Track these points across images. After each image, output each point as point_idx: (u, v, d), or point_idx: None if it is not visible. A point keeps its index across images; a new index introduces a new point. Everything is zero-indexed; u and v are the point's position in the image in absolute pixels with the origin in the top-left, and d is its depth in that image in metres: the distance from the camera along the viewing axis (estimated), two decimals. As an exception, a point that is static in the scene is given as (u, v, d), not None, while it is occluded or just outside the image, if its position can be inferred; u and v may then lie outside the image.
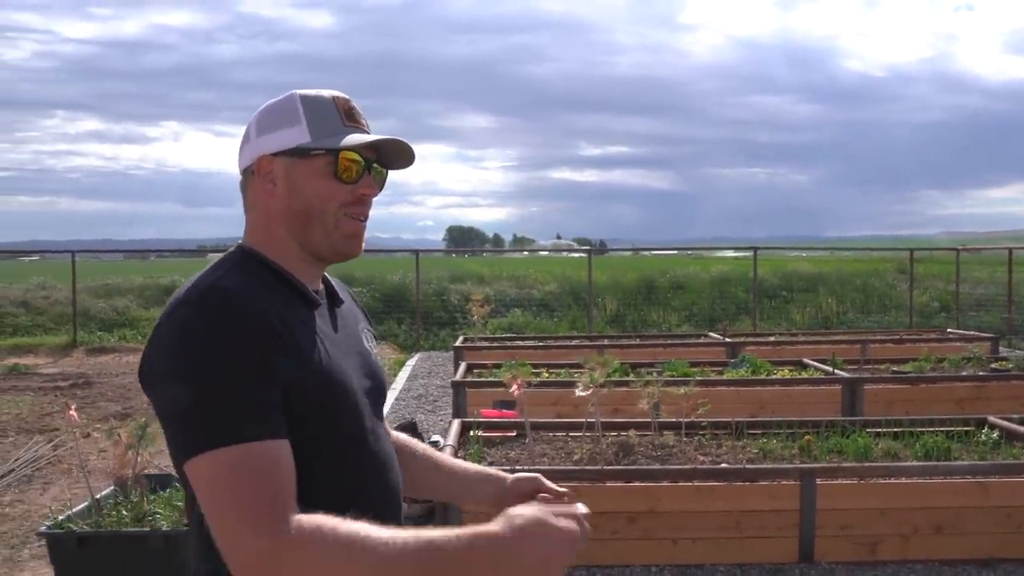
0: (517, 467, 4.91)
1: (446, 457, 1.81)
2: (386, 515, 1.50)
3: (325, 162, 1.46)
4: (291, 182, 1.47)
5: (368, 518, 1.41)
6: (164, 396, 1.33)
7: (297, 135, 1.46)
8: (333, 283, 1.62)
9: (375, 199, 1.56)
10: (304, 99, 1.50)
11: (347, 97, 1.53)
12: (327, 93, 1.52)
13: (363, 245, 1.54)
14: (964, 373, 8.25)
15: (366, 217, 1.53)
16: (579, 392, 5.01)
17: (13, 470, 6.92)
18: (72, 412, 4.02)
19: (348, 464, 1.45)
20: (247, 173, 1.52)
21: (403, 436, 1.81)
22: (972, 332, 12.81)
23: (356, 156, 1.48)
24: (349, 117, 1.50)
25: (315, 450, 1.39)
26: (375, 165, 1.52)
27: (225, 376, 1.28)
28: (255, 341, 1.31)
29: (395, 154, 1.56)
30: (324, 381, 1.40)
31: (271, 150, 1.47)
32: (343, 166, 1.47)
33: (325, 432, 1.41)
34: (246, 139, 1.52)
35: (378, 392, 1.59)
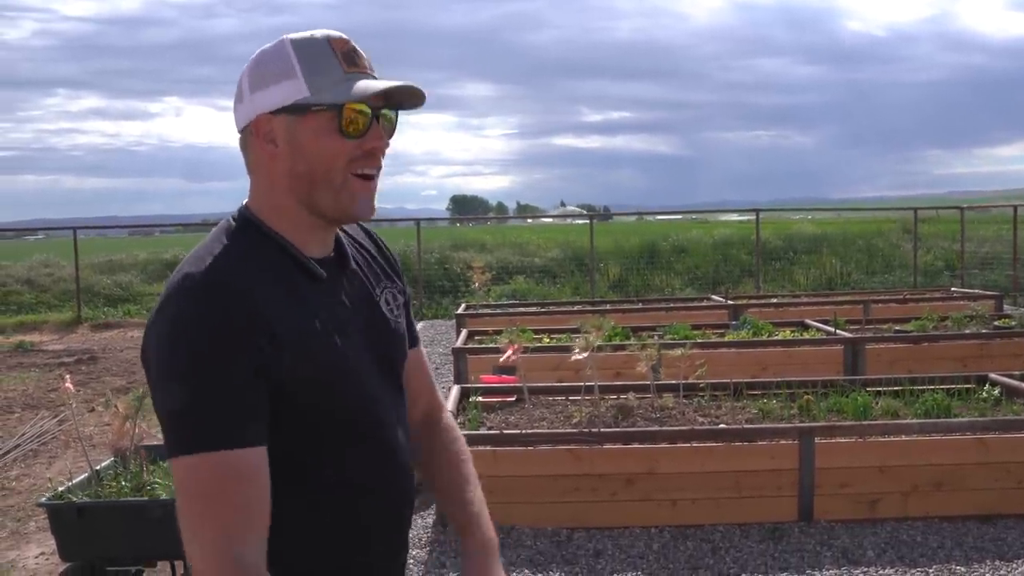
0: (512, 430, 4.93)
1: (468, 480, 1.71)
2: (392, 498, 1.50)
3: (328, 117, 1.34)
4: (293, 142, 1.36)
5: (374, 501, 1.46)
6: (153, 392, 1.32)
7: (293, 89, 1.34)
8: (347, 240, 1.52)
9: (387, 151, 1.44)
10: (296, 45, 1.36)
11: (344, 37, 1.38)
12: (320, 34, 1.38)
13: (375, 205, 1.43)
14: (967, 331, 8.23)
15: (378, 170, 1.42)
16: (575, 356, 5.01)
17: (19, 445, 6.98)
18: (68, 384, 4.03)
19: (354, 449, 1.42)
20: (245, 133, 1.41)
21: (449, 436, 1.74)
22: (976, 290, 12.78)
23: (362, 106, 1.35)
24: (349, 61, 1.36)
25: (316, 437, 1.38)
26: (383, 111, 1.40)
27: (205, 382, 1.26)
28: (240, 342, 1.27)
29: (404, 95, 1.41)
30: (321, 366, 1.36)
31: (268, 108, 1.36)
32: (348, 120, 1.34)
33: (325, 419, 1.38)
34: (239, 97, 1.40)
35: (391, 360, 1.52)
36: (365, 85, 1.36)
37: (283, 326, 1.31)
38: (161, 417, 1.30)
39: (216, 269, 1.32)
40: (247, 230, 1.40)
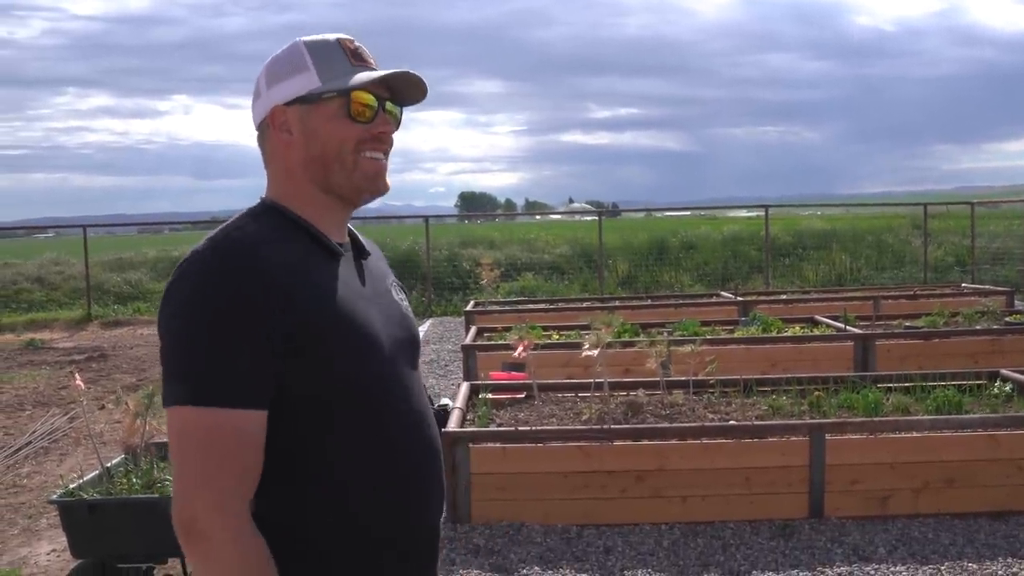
0: (524, 427, 4.93)
1: None
2: (426, 467, 1.53)
3: (338, 104, 1.46)
4: (306, 129, 1.47)
5: (407, 463, 1.49)
6: (162, 343, 1.37)
7: (306, 81, 1.46)
8: (360, 238, 1.61)
9: (392, 147, 1.55)
10: (309, 45, 1.49)
11: (351, 38, 1.51)
12: (331, 36, 1.51)
13: (388, 182, 1.53)
14: (978, 327, 8.19)
15: (386, 153, 1.52)
16: (586, 352, 5.00)
17: (30, 442, 7.00)
18: (78, 381, 4.04)
19: (379, 411, 1.45)
20: (262, 127, 1.52)
21: None
22: (987, 286, 12.72)
23: (369, 98, 1.47)
24: (356, 57, 1.50)
25: (342, 402, 1.41)
26: (388, 103, 1.51)
27: (216, 336, 1.31)
28: (256, 300, 1.32)
29: (407, 90, 1.54)
30: (343, 327, 1.40)
31: (283, 100, 1.48)
32: (356, 108, 1.46)
33: (350, 383, 1.41)
34: (257, 94, 1.52)
35: (411, 343, 1.58)
36: (368, 73, 1.49)
37: (302, 296, 1.37)
38: (174, 370, 1.34)
39: (239, 238, 1.40)
40: (268, 213, 1.49)
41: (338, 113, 1.46)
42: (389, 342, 1.49)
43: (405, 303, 1.64)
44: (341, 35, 1.51)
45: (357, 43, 1.51)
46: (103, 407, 8.00)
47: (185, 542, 1.32)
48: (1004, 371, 5.83)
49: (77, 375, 4.29)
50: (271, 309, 1.33)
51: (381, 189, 1.52)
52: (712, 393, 5.62)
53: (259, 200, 1.53)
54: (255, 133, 1.55)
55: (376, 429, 1.44)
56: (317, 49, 1.48)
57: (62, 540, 4.36)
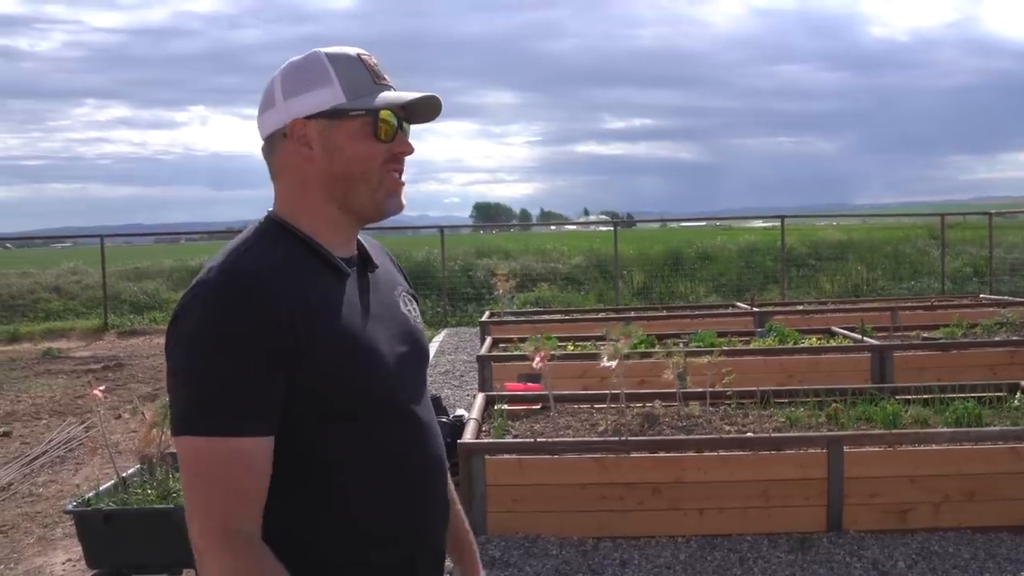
0: (540, 439, 4.91)
1: (457, 511, 1.75)
2: (429, 482, 1.53)
3: (363, 123, 1.44)
4: (328, 145, 1.44)
5: (411, 485, 1.49)
6: (168, 373, 1.38)
7: (331, 96, 1.44)
8: (367, 246, 1.59)
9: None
10: (332, 58, 1.46)
11: (370, 54, 1.51)
12: (351, 51, 1.49)
13: (404, 202, 1.53)
14: (997, 338, 8.12)
15: (402, 172, 1.53)
16: (603, 363, 4.98)
17: (47, 451, 7.03)
18: (96, 391, 4.06)
19: (383, 432, 1.45)
20: (275, 138, 1.48)
21: None
22: (1006, 297, 12.61)
23: (392, 117, 1.46)
24: (376, 75, 1.49)
25: (346, 420, 1.41)
26: (404, 122, 1.51)
27: (219, 366, 1.32)
28: (261, 327, 1.33)
29: (422, 109, 1.53)
30: (346, 353, 1.40)
31: (304, 113, 1.44)
32: (381, 126, 1.45)
33: (353, 402, 1.41)
34: (270, 103, 1.48)
35: (417, 357, 1.58)
36: (397, 94, 1.49)
37: (306, 319, 1.37)
38: (174, 399, 1.36)
39: (241, 263, 1.39)
40: (274, 231, 1.47)
41: (362, 131, 1.45)
42: (393, 359, 1.48)
43: (414, 314, 1.63)
44: (360, 50, 1.50)
45: (375, 60, 1.50)
46: (119, 417, 8.03)
47: (198, 564, 1.36)
48: (1024, 383, 5.77)
49: (100, 387, 4.30)
50: (275, 335, 1.33)
51: (400, 208, 1.52)
52: (729, 405, 5.57)
53: (266, 214, 1.51)
54: (262, 143, 1.53)
55: (379, 446, 1.45)
56: (340, 63, 1.46)
57: (77, 550, 4.36)
